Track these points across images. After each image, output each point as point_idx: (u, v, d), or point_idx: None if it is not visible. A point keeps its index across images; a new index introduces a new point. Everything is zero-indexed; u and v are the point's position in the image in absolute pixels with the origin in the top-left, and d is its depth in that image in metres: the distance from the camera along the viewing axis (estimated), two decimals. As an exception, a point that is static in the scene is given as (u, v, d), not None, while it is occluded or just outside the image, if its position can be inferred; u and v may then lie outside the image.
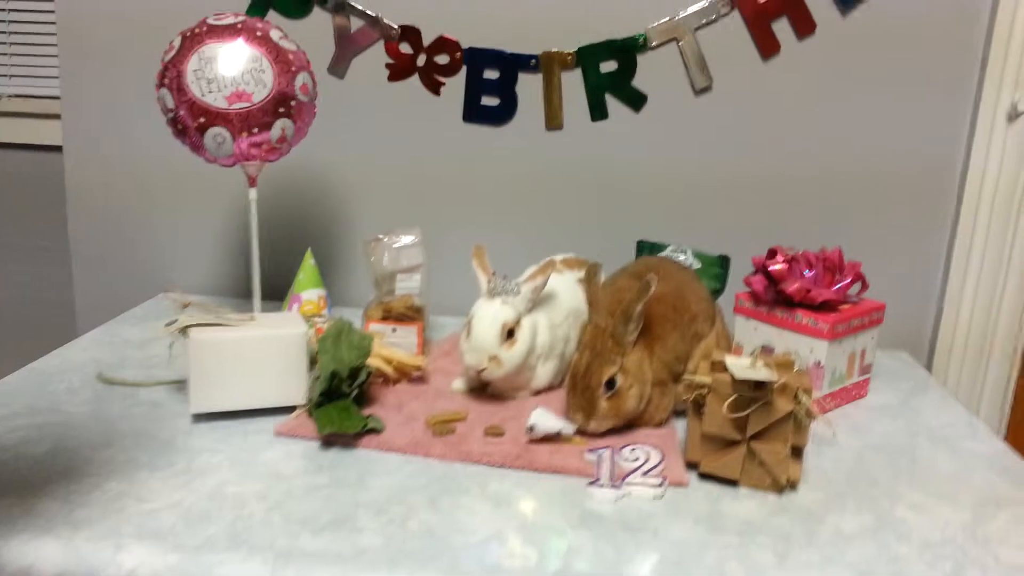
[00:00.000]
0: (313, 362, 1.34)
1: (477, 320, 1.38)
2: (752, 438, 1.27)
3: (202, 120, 1.51)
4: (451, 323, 1.92)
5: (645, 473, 1.30)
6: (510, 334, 1.37)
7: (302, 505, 1.11)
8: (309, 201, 1.97)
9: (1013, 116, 1.84)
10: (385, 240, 1.58)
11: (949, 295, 1.97)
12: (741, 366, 1.30)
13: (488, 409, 1.42)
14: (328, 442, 1.29)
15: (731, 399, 1.25)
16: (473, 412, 1.40)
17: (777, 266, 1.60)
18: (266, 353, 1.31)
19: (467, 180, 1.92)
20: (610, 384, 1.31)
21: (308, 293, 1.64)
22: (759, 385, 1.24)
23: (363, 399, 1.38)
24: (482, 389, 1.47)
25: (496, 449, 1.28)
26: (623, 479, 1.28)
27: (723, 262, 1.68)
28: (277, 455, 1.25)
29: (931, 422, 1.54)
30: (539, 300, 1.44)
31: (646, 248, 1.81)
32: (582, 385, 1.30)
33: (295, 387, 1.33)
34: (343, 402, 1.32)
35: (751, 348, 1.69)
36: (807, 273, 1.61)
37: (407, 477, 1.21)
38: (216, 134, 1.52)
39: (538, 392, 1.49)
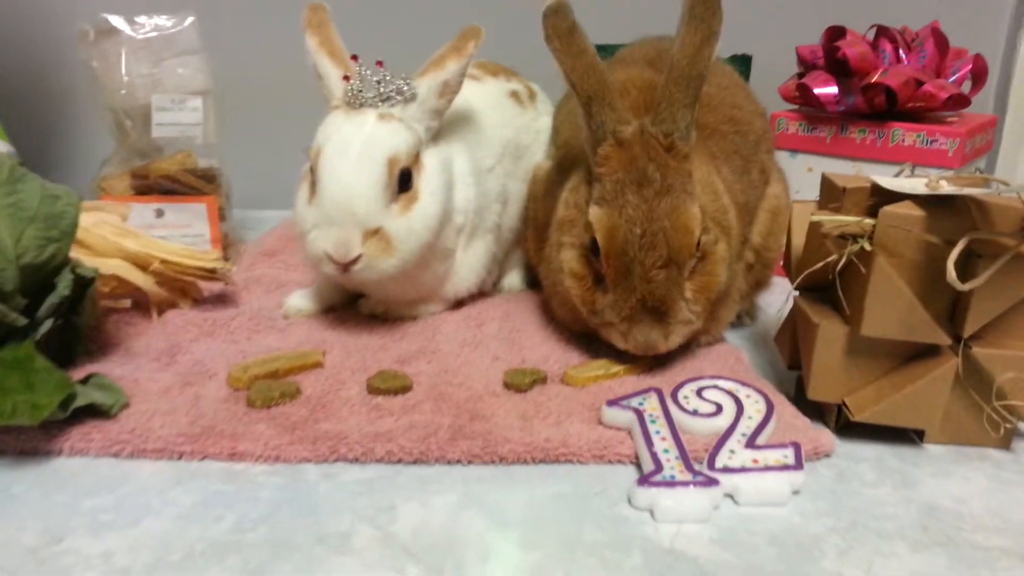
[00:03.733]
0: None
1: (333, 157, 0.73)
2: (971, 339, 0.58)
3: None
4: (274, 219, 1.09)
5: (751, 441, 0.57)
6: (404, 182, 0.72)
7: None
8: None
9: None
10: (124, 29, 0.75)
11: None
12: (920, 188, 0.60)
13: (367, 342, 0.79)
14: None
15: (960, 247, 0.53)
16: (336, 350, 0.77)
17: (857, 48, 0.90)
18: None
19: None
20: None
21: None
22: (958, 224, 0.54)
23: (75, 342, 0.70)
24: (349, 306, 0.83)
25: (402, 424, 0.62)
26: (710, 462, 0.55)
27: (742, 63, 0.96)
28: None
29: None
30: (453, 120, 0.81)
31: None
32: (649, 264, 0.66)
33: None
34: (11, 350, 0.50)
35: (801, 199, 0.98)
36: (904, 59, 0.92)
37: (181, 523, 0.55)
38: None
39: (460, 304, 0.84)
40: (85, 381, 0.61)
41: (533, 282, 0.95)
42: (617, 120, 0.68)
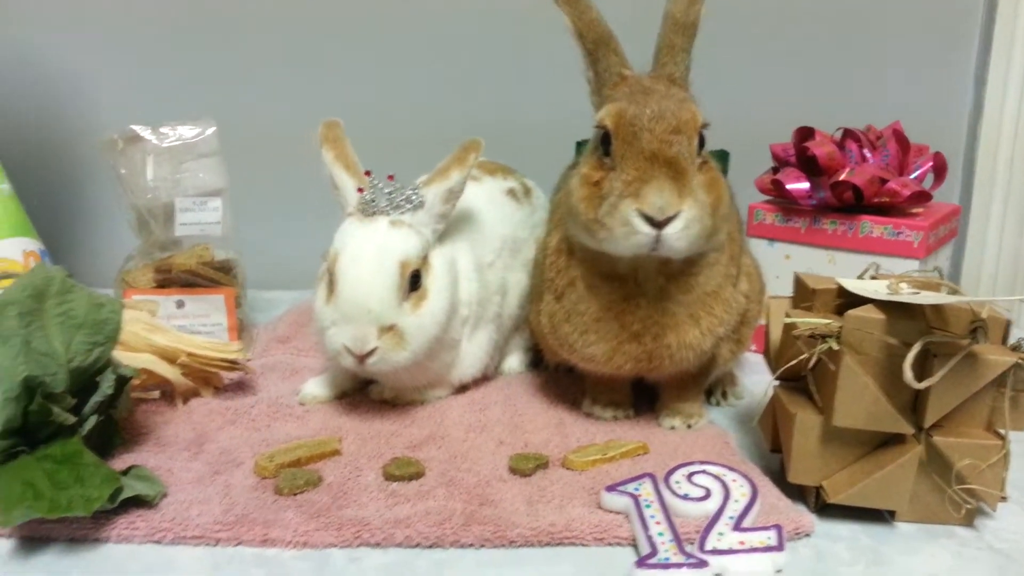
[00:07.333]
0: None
1: (349, 261, 0.79)
2: (932, 429, 0.64)
3: None
4: (286, 300, 1.13)
5: (737, 523, 0.63)
6: (414, 282, 0.80)
7: None
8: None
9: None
10: (149, 138, 0.82)
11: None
12: (881, 290, 0.67)
13: (379, 428, 0.84)
14: (34, 536, 0.64)
15: (915, 350, 0.60)
16: (351, 437, 0.81)
17: (825, 148, 0.98)
18: None
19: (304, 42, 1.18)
20: None
21: (5, 244, 0.85)
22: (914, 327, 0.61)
23: (113, 434, 0.74)
24: (360, 391, 0.90)
25: (418, 510, 0.68)
26: (700, 544, 0.60)
27: (721, 158, 1.03)
28: None
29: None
30: (456, 220, 0.88)
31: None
32: (660, 130, 0.71)
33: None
34: (61, 446, 0.54)
35: (781, 283, 1.06)
36: (869, 158, 1.00)
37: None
38: None
39: (464, 387, 0.90)
40: (126, 472, 0.66)
41: (532, 363, 1.01)
42: (621, 63, 0.77)
